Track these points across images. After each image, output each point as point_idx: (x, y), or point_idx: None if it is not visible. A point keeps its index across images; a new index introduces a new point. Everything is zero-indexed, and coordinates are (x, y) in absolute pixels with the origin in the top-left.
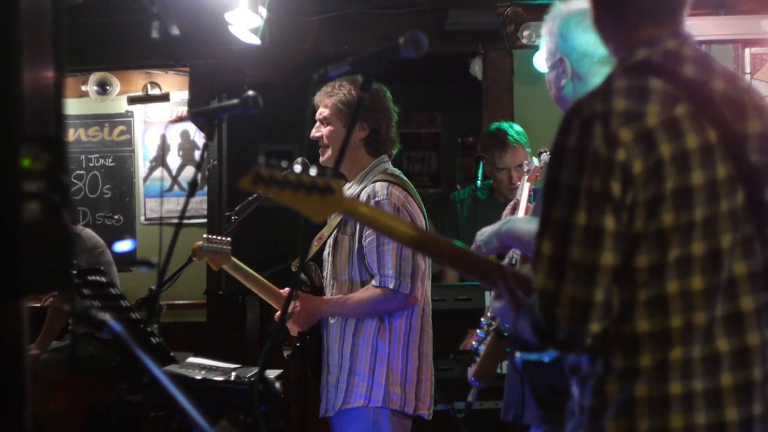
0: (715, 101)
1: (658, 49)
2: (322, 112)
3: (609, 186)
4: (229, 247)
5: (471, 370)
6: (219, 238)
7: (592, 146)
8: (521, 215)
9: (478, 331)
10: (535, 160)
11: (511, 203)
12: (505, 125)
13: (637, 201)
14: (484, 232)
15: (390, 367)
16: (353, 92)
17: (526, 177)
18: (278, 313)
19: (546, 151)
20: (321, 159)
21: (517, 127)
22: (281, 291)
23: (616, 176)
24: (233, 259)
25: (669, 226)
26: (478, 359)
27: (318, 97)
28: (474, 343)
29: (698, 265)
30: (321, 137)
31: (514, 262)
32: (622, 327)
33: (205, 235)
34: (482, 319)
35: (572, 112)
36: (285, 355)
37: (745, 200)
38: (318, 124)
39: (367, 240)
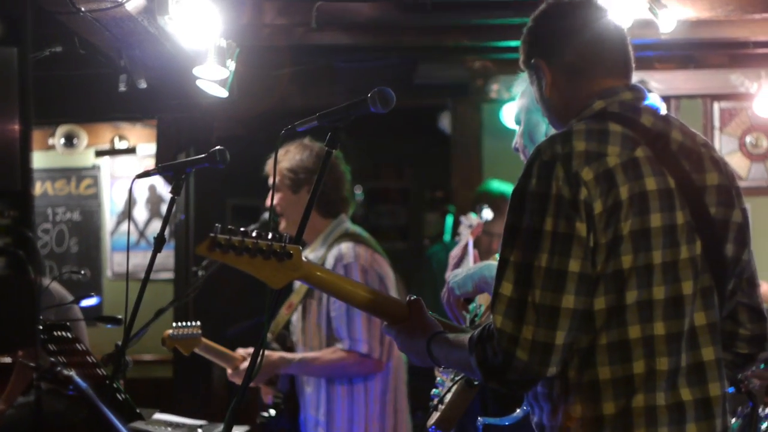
0: (673, 150)
1: (615, 100)
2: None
3: (574, 227)
4: (200, 331)
5: (432, 419)
6: (188, 324)
7: (554, 188)
8: (471, 264)
9: (438, 378)
10: (475, 216)
11: (456, 255)
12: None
13: (598, 242)
14: (458, 274)
15: (368, 430)
16: (297, 156)
17: (469, 231)
18: (229, 371)
19: (486, 207)
20: (280, 227)
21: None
22: (237, 355)
23: (581, 216)
24: (204, 340)
25: (627, 267)
26: (441, 407)
27: (267, 166)
28: (435, 390)
29: (660, 311)
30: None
31: (478, 313)
32: (583, 374)
33: (174, 324)
34: (441, 368)
35: (533, 157)
36: (258, 422)
37: (703, 251)
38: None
39: (336, 304)
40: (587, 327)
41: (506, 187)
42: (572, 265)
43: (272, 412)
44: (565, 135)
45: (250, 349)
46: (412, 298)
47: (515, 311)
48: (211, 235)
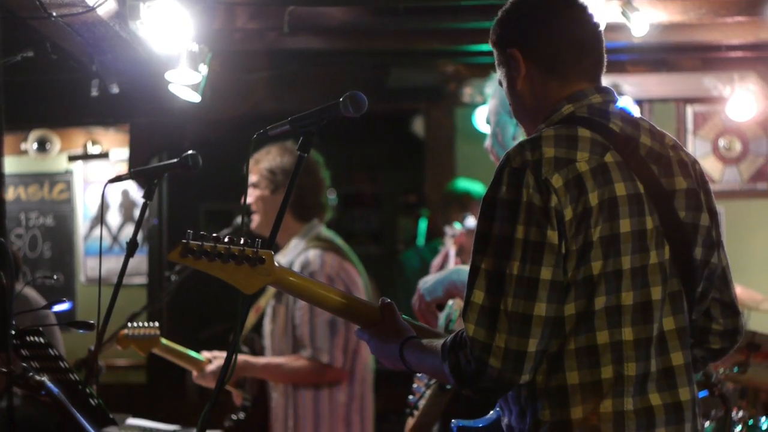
0: (642, 155)
1: (583, 104)
2: (252, 179)
3: (545, 235)
4: (158, 332)
5: (408, 425)
6: (144, 324)
7: (525, 195)
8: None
9: (415, 385)
10: (459, 225)
11: (437, 264)
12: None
13: (569, 249)
14: (428, 281)
15: None
16: (277, 158)
17: (452, 240)
18: (194, 374)
19: (470, 215)
20: (252, 225)
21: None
22: (203, 357)
23: (552, 224)
24: (163, 341)
25: (597, 273)
26: (416, 413)
27: (249, 165)
28: (411, 397)
29: (628, 316)
30: (251, 204)
31: (452, 318)
32: (551, 378)
33: (129, 324)
34: (418, 374)
35: (502, 164)
36: (226, 425)
37: (672, 255)
38: (251, 190)
39: (300, 311)
40: (557, 332)
41: (471, 185)
42: (544, 273)
43: (241, 415)
44: (534, 141)
45: (215, 352)
46: (385, 301)
47: (487, 319)
48: (183, 241)
